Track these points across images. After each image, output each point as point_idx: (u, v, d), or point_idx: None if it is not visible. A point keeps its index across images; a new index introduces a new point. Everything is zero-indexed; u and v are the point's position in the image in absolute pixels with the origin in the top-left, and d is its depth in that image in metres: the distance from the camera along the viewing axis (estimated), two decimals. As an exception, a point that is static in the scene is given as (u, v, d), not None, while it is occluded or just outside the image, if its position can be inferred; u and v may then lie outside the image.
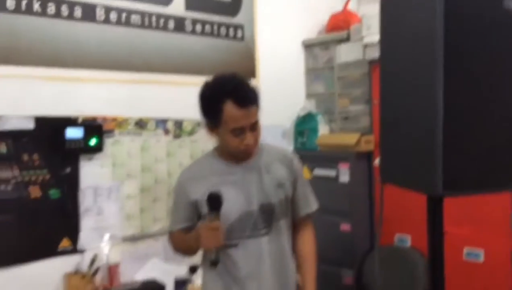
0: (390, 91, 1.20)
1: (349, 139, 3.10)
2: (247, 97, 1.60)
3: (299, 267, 1.79)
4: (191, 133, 2.94)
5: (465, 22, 0.97)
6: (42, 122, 2.38)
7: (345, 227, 3.10)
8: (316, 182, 2.70)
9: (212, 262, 1.59)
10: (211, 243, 1.56)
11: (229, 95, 1.57)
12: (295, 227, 1.83)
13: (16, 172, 2.31)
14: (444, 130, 0.97)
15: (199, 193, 1.66)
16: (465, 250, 2.63)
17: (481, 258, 2.58)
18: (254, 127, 1.63)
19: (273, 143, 1.93)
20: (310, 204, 1.85)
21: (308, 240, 1.83)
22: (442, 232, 1.13)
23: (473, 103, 0.99)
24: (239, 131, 1.60)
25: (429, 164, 1.00)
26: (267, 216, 1.69)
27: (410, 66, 1.08)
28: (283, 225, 1.74)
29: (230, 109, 1.57)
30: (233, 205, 1.64)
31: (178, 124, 2.89)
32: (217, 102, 1.58)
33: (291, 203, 1.79)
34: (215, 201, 1.57)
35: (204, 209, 1.65)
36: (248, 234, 1.67)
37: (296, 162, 1.83)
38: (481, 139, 1.00)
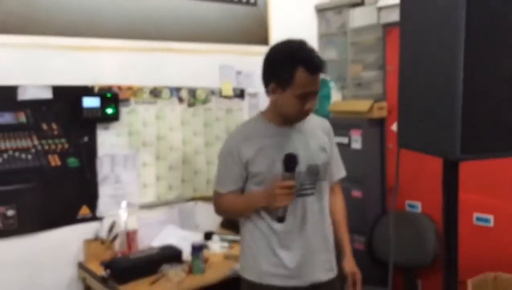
0: (409, 55, 1.19)
1: (362, 106, 3.09)
2: (319, 65, 1.66)
3: (334, 227, 1.89)
4: (205, 101, 2.95)
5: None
6: (59, 92, 2.39)
7: (356, 193, 3.13)
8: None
9: (279, 218, 1.66)
10: (284, 201, 1.62)
11: (302, 62, 1.62)
12: (329, 191, 1.92)
13: (35, 141, 2.34)
14: (464, 94, 0.97)
15: (250, 153, 1.73)
16: (475, 215, 2.66)
17: (491, 223, 2.61)
18: (316, 93, 1.71)
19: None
20: (341, 170, 1.97)
21: (341, 202, 1.96)
22: (457, 197, 1.15)
23: (493, 67, 0.99)
24: (303, 96, 1.66)
25: (447, 128, 1.00)
26: (313, 176, 1.77)
27: (430, 29, 1.07)
28: (324, 186, 1.84)
29: (302, 74, 1.62)
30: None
31: (192, 92, 2.89)
32: (290, 67, 1.63)
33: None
34: (291, 161, 1.63)
35: (254, 168, 1.72)
36: (296, 193, 1.73)
37: (332, 130, 1.92)
38: (499, 103, 1.00)
